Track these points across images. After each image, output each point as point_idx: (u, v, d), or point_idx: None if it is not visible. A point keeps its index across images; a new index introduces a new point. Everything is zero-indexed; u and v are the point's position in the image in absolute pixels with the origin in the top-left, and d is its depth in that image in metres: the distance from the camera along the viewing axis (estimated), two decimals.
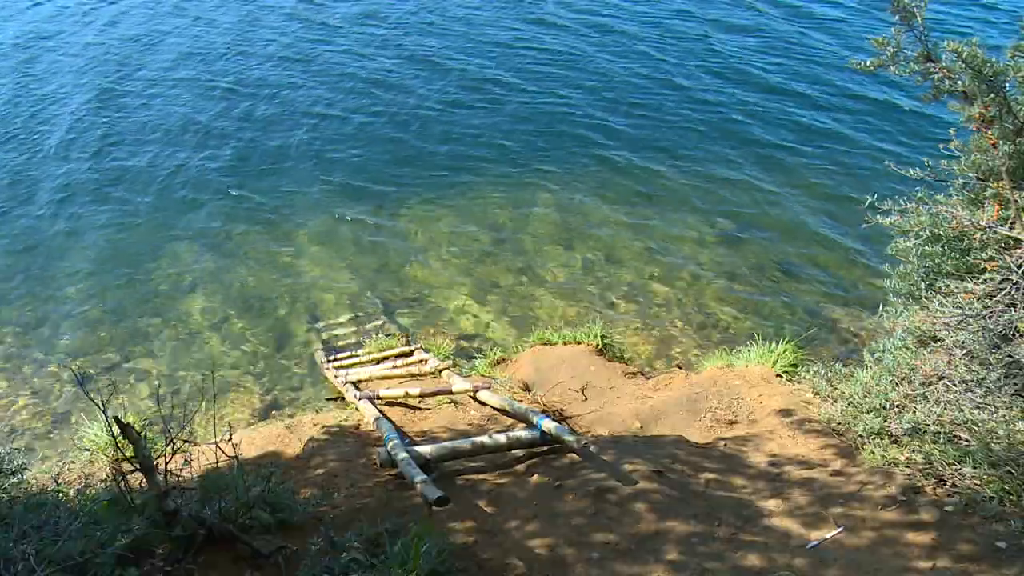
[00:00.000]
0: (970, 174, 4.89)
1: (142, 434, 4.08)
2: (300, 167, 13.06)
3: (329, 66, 16.38)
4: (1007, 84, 4.43)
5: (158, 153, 13.60)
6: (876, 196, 5.25)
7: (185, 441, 4.33)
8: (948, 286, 5.02)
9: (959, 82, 4.52)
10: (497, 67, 15.89)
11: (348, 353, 8.96)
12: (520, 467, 5.48)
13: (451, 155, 13.18)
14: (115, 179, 12.93)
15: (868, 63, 4.78)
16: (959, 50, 4.37)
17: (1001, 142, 4.50)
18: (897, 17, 4.58)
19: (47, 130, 14.50)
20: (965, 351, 4.68)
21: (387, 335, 9.26)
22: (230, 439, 4.64)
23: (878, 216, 5.24)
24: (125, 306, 10.17)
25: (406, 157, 13.18)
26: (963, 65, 4.41)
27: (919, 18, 4.48)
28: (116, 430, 3.90)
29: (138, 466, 3.99)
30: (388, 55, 16.65)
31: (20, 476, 4.72)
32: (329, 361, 8.78)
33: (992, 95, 4.40)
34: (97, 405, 4.02)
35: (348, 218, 11.73)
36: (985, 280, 4.68)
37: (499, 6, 18.77)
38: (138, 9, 19.93)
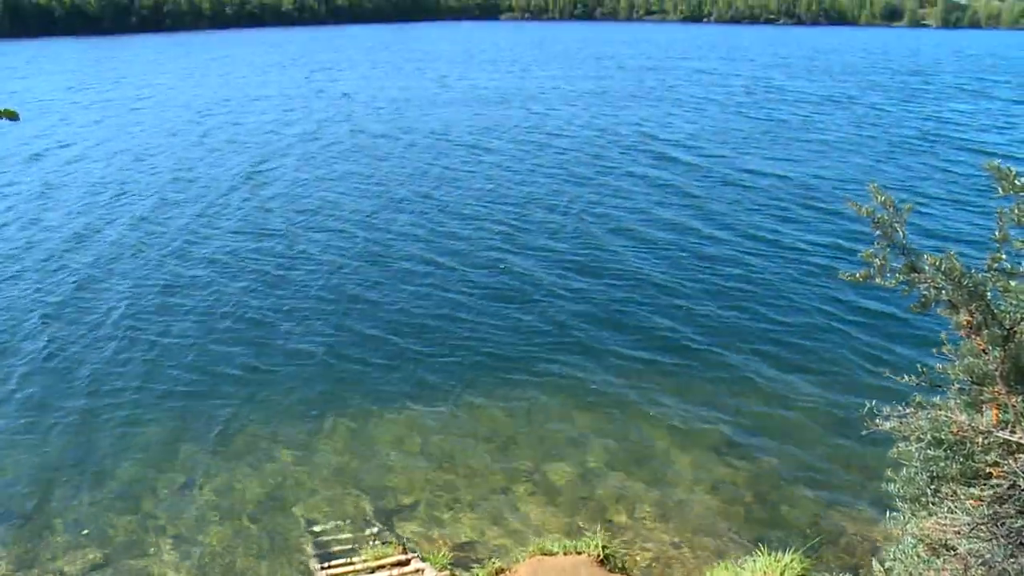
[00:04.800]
0: (965, 378, 4.99)
1: None
2: (296, 370, 13.22)
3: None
4: (989, 292, 4.64)
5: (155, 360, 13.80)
6: (874, 403, 5.33)
7: None
8: (955, 491, 4.96)
9: (943, 292, 4.74)
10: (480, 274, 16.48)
11: (343, 560, 8.66)
12: None
13: (447, 360, 13.39)
14: (106, 375, 13.05)
15: (857, 275, 5.02)
16: (938, 263, 4.63)
17: (991, 347, 4.64)
18: (878, 232, 4.87)
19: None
20: (981, 560, 4.55)
21: (383, 542, 8.99)
22: None
23: (877, 421, 5.28)
24: (116, 509, 9.90)
25: (402, 361, 13.39)
26: (943, 277, 4.65)
27: (901, 233, 4.76)
28: None
29: None
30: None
31: None
32: (323, 568, 8.46)
33: (975, 304, 4.60)
34: None
35: (346, 424, 11.70)
36: (992, 486, 4.65)
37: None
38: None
